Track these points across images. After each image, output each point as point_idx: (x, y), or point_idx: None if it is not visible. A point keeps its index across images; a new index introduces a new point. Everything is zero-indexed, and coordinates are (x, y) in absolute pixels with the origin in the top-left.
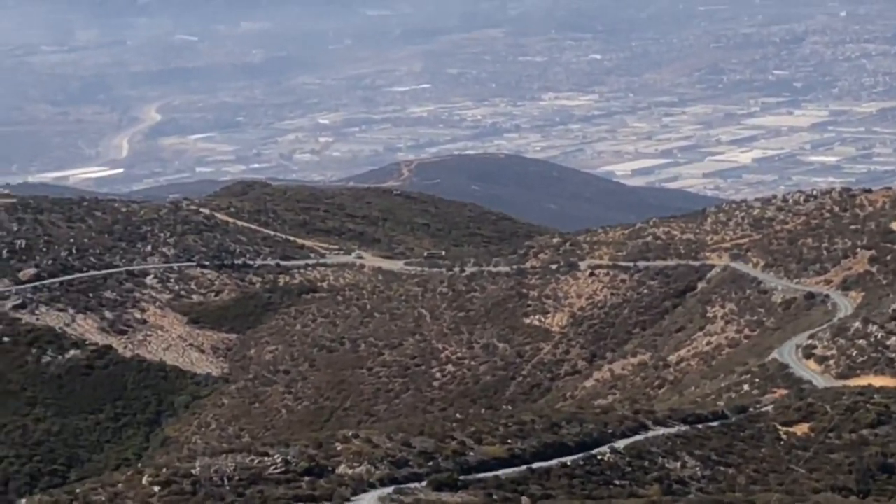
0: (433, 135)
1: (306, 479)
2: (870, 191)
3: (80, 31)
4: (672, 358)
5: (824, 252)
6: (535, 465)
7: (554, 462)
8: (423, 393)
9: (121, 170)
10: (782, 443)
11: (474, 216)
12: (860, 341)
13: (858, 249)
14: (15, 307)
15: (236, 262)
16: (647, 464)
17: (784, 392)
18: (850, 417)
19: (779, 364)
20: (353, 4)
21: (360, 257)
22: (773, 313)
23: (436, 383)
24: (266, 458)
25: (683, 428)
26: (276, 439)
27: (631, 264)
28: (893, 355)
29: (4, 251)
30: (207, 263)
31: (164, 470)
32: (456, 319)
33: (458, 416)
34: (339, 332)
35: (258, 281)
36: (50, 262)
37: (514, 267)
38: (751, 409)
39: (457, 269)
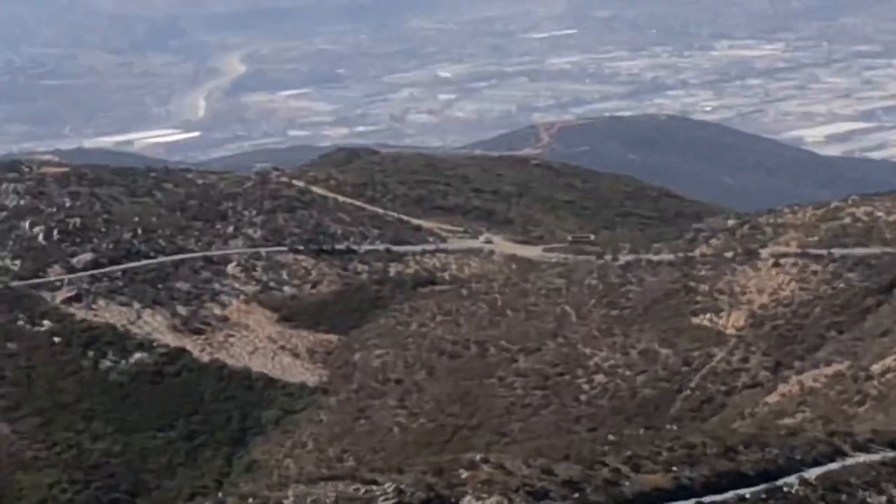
0: (579, 92)
1: None
2: None
3: None
4: (876, 368)
5: None
6: (706, 499)
7: (729, 495)
8: (568, 408)
9: (196, 133)
10: None
11: (630, 192)
12: None
13: None
14: (68, 300)
15: (337, 246)
16: (844, 498)
17: None
18: None
19: None
20: None
21: (490, 242)
22: None
23: (583, 397)
24: (375, 487)
25: (890, 454)
26: (386, 464)
27: (825, 252)
28: None
29: (55, 232)
30: (302, 248)
31: (251, 500)
32: (607, 319)
33: (610, 437)
34: (463, 333)
35: (364, 270)
36: (110, 245)
37: (680, 255)
38: None
39: (609, 258)
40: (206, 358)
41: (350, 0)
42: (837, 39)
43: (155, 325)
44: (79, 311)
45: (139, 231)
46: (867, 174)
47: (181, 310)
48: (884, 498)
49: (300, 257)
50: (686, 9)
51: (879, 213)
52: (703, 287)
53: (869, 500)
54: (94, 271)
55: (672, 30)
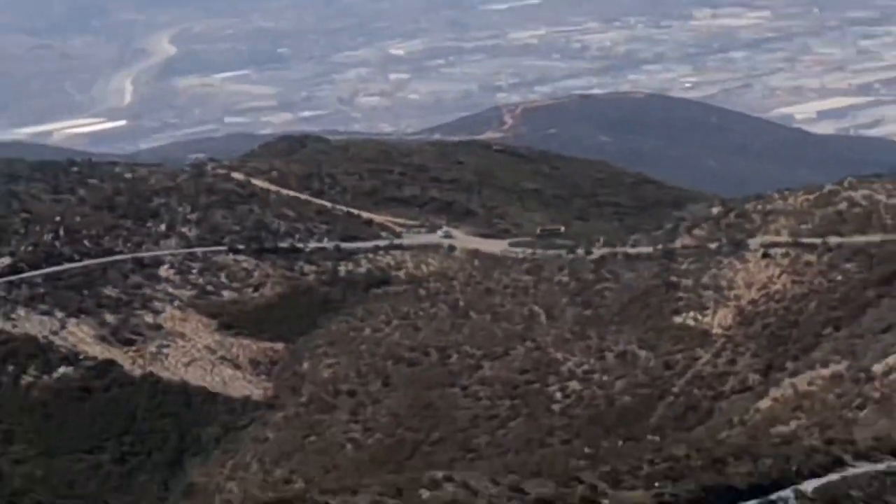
0: (545, 69)
1: None
2: None
3: None
4: (878, 368)
5: None
6: None
7: None
8: (539, 420)
9: (123, 122)
10: None
11: (604, 178)
12: None
13: None
14: None
15: (281, 245)
16: None
17: None
18: None
19: None
20: None
21: (449, 236)
22: None
23: (555, 406)
24: None
25: (895, 463)
26: (339, 485)
27: (819, 241)
28: None
29: None
30: (242, 247)
31: None
32: (581, 319)
33: (586, 450)
34: (421, 338)
35: (311, 271)
36: (30, 248)
37: (660, 247)
38: None
39: (581, 252)
40: (137, 371)
41: None
42: (830, 5)
43: (81, 336)
44: None
45: (61, 232)
46: (864, 154)
47: (110, 318)
48: None
49: (240, 258)
50: None
51: (879, 197)
52: (686, 282)
53: None
54: (12, 277)
55: None
